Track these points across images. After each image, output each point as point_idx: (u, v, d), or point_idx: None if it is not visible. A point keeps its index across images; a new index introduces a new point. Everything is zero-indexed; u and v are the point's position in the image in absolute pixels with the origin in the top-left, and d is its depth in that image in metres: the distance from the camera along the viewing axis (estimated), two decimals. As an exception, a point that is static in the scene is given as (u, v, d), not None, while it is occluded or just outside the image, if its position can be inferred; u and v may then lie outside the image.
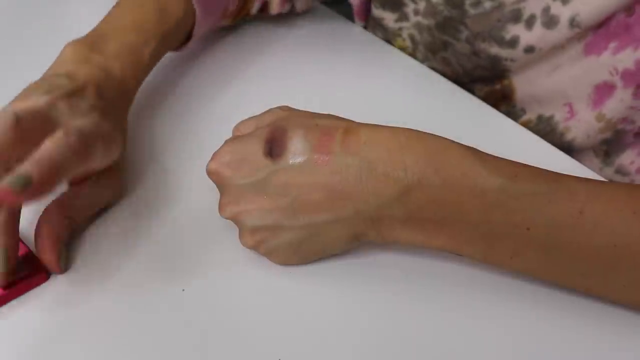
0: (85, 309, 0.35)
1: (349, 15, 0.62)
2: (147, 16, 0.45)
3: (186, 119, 0.49)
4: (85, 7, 0.63)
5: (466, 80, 0.56)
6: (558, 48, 0.47)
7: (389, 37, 0.59)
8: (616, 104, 0.46)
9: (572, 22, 0.44)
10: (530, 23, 0.47)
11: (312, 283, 0.37)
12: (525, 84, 0.51)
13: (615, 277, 0.34)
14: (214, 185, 0.37)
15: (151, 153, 0.46)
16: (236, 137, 0.37)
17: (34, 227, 0.37)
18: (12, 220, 0.35)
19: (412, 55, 0.58)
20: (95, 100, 0.38)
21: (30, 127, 0.34)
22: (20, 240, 0.37)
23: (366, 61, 0.58)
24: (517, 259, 0.34)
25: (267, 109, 0.39)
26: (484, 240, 0.34)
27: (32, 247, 0.37)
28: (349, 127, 0.35)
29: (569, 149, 0.50)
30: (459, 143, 0.34)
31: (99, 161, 0.37)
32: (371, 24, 0.60)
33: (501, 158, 0.34)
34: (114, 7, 0.46)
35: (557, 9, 0.45)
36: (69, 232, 0.38)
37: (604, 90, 0.46)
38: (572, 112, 0.49)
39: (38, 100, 0.35)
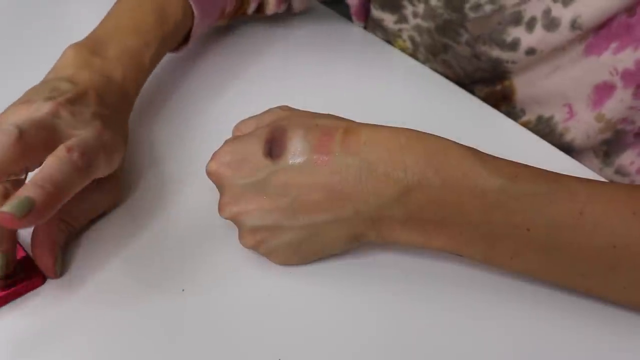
0: (85, 309, 0.35)
1: (348, 15, 0.62)
2: (146, 18, 0.45)
3: (186, 119, 0.49)
4: (85, 7, 0.63)
5: (467, 81, 0.56)
6: (559, 50, 0.47)
7: (389, 38, 0.59)
8: (616, 104, 0.46)
9: (574, 24, 0.44)
10: (531, 25, 0.47)
11: (312, 283, 0.37)
12: (525, 85, 0.51)
13: (615, 277, 0.34)
14: (214, 185, 0.37)
15: (151, 153, 0.46)
16: (236, 137, 0.37)
17: (31, 231, 0.36)
18: None
19: (413, 56, 0.58)
20: (96, 107, 0.38)
21: (33, 140, 0.33)
22: (17, 243, 0.37)
23: (366, 61, 0.58)
24: (517, 260, 0.34)
25: (267, 109, 0.39)
26: (484, 240, 0.34)
27: (29, 250, 0.37)
28: (349, 127, 0.35)
29: (568, 149, 0.50)
30: (459, 143, 0.34)
31: (101, 172, 0.36)
32: (371, 24, 0.60)
33: (501, 158, 0.34)
34: (112, 8, 0.46)
35: (558, 11, 0.45)
36: (66, 237, 0.37)
37: (603, 91, 0.46)
38: (571, 113, 0.49)
39: (40, 109, 0.34)
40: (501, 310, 0.36)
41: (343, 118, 0.37)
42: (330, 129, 0.35)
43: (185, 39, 0.50)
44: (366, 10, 0.59)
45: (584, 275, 0.34)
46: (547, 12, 0.46)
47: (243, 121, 0.39)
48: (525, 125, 0.52)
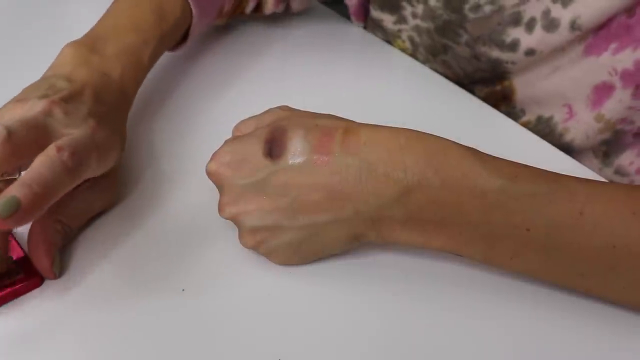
0: (84, 309, 0.35)
1: (348, 15, 0.62)
2: (145, 16, 0.45)
3: (186, 119, 0.49)
4: (85, 7, 0.63)
5: (466, 82, 0.56)
6: (558, 50, 0.47)
7: (389, 39, 0.59)
8: (615, 105, 0.46)
9: (573, 25, 0.44)
10: (530, 26, 0.47)
11: (312, 283, 0.37)
12: (525, 85, 0.51)
13: (615, 277, 0.34)
14: (214, 186, 0.37)
15: (151, 153, 0.46)
16: (236, 137, 0.37)
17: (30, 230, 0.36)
18: None
19: (413, 56, 0.58)
20: (93, 105, 0.37)
21: (23, 140, 0.33)
22: (17, 243, 0.37)
23: (366, 61, 0.58)
24: (517, 260, 0.34)
25: (267, 109, 0.39)
26: (484, 240, 0.34)
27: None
28: (349, 128, 0.35)
29: (568, 149, 0.50)
30: (459, 143, 0.34)
31: (92, 171, 0.36)
32: (370, 25, 0.60)
33: (501, 159, 0.34)
34: (110, 7, 0.46)
35: (557, 11, 0.45)
36: (63, 237, 0.37)
37: (603, 91, 0.46)
38: (571, 113, 0.49)
39: (34, 108, 0.34)
40: (501, 310, 0.36)
41: (343, 118, 0.37)
42: (330, 129, 0.35)
43: (184, 38, 0.50)
44: (365, 10, 0.59)
45: (583, 275, 0.34)
46: (546, 12, 0.46)
47: (243, 121, 0.39)
48: (525, 125, 0.52)
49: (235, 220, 0.36)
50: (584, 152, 0.51)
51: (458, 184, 0.33)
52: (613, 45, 0.44)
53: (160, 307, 0.36)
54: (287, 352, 0.34)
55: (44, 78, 0.39)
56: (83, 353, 0.33)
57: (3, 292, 0.35)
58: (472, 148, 0.34)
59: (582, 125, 0.49)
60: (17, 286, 0.35)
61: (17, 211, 0.30)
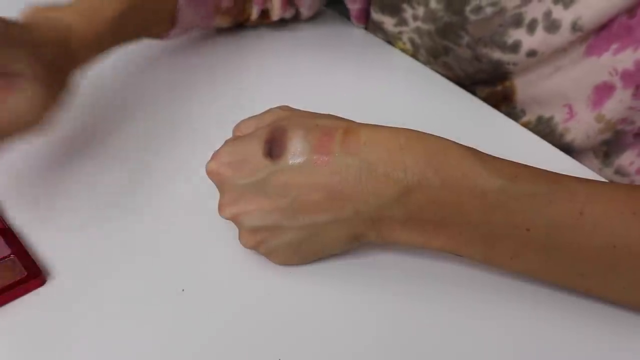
0: (84, 309, 0.35)
1: (349, 16, 0.62)
2: None
3: (186, 118, 0.49)
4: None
5: (467, 83, 0.56)
6: (560, 51, 0.47)
7: (390, 40, 0.59)
8: (615, 105, 0.46)
9: (574, 26, 0.44)
10: (532, 27, 0.47)
11: (312, 283, 0.37)
12: (526, 86, 0.51)
13: (615, 278, 0.34)
14: (214, 185, 0.37)
15: (151, 153, 0.46)
16: (236, 137, 0.37)
17: (33, 228, 0.36)
18: None
19: (414, 58, 0.58)
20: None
21: None
22: (19, 242, 0.37)
23: (367, 61, 0.58)
24: (517, 260, 0.34)
25: (267, 109, 0.39)
26: (484, 241, 0.34)
27: (31, 249, 0.37)
28: (349, 128, 0.35)
29: (568, 150, 0.50)
30: (459, 143, 0.34)
31: None
32: (371, 27, 0.60)
33: (501, 159, 0.34)
34: None
35: (558, 13, 0.45)
36: None
37: (603, 91, 0.46)
38: (571, 113, 0.49)
39: None
40: (501, 310, 0.36)
41: (343, 118, 0.37)
42: (330, 129, 0.35)
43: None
44: (367, 13, 0.59)
45: (583, 275, 0.34)
46: (547, 14, 0.46)
47: (243, 121, 0.39)
48: (526, 125, 0.52)
49: (235, 220, 0.36)
50: (585, 153, 0.51)
51: (458, 184, 0.33)
52: (614, 46, 0.44)
53: (160, 307, 0.36)
54: (287, 352, 0.34)
55: None
56: (83, 353, 0.33)
57: (4, 292, 0.35)
58: (473, 148, 0.34)
59: (582, 125, 0.49)
60: (20, 286, 0.35)
61: None
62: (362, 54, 0.59)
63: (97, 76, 0.55)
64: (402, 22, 0.56)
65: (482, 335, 0.35)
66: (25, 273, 0.36)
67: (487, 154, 0.34)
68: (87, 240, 0.39)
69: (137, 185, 0.43)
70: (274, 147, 0.35)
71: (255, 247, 0.37)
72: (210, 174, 0.36)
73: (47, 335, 0.34)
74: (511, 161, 0.34)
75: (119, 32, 0.45)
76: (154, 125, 0.48)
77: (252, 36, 0.60)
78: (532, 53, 0.47)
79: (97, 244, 0.39)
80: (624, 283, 0.34)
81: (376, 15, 0.57)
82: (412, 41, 0.57)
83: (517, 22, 0.47)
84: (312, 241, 0.36)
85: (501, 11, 0.47)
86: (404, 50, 0.58)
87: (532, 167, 0.34)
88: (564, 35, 0.45)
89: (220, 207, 0.36)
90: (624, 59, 0.44)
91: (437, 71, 0.56)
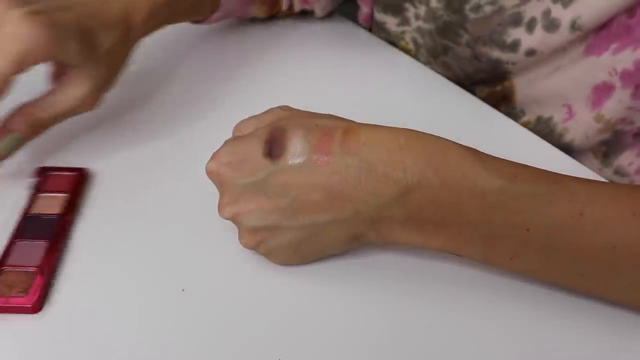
0: (84, 309, 0.35)
1: (350, 16, 0.62)
2: None
3: (186, 118, 0.49)
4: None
5: (467, 82, 0.56)
6: (559, 50, 0.47)
7: (393, 40, 0.59)
8: (615, 105, 0.46)
9: (574, 25, 0.44)
10: (531, 26, 0.47)
11: (312, 283, 0.37)
12: (525, 86, 0.51)
13: (615, 278, 0.34)
14: (214, 185, 0.37)
15: (151, 153, 0.46)
16: (236, 137, 0.37)
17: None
18: None
19: (415, 58, 0.58)
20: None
21: None
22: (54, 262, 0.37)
23: (367, 62, 0.58)
24: (517, 260, 0.34)
25: (267, 108, 0.39)
26: (484, 241, 0.34)
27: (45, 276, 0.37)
28: (349, 128, 0.35)
29: (568, 150, 0.50)
30: (458, 144, 0.34)
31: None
32: (375, 28, 0.60)
33: (501, 159, 0.34)
34: None
35: (557, 12, 0.45)
36: (30, 131, 0.40)
37: (602, 91, 0.46)
38: (571, 113, 0.49)
39: None
40: (501, 310, 0.36)
41: (343, 118, 0.37)
42: (330, 129, 0.35)
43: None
44: (373, 15, 0.60)
45: (583, 275, 0.34)
46: (547, 13, 0.46)
47: (243, 121, 0.39)
48: (525, 125, 0.52)
49: (235, 220, 0.36)
50: (584, 153, 0.51)
51: (458, 184, 0.33)
52: (613, 46, 0.44)
53: (160, 307, 0.36)
54: (287, 352, 0.34)
55: None
56: (83, 352, 0.33)
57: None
58: (472, 148, 0.34)
59: (581, 125, 0.49)
60: (13, 303, 0.35)
61: None
62: (363, 54, 0.58)
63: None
64: (405, 21, 0.56)
65: (482, 335, 0.35)
66: (28, 294, 0.35)
67: (487, 154, 0.34)
68: (88, 239, 0.39)
69: (137, 185, 0.43)
70: (273, 147, 0.35)
71: (255, 247, 0.37)
72: (210, 174, 0.36)
73: (46, 334, 0.34)
74: (511, 161, 0.34)
75: (172, 11, 0.47)
76: (154, 125, 0.48)
77: (253, 36, 0.60)
78: (531, 52, 0.47)
79: (98, 244, 0.39)
80: (624, 283, 0.34)
81: (379, 16, 0.58)
82: (414, 41, 0.57)
83: (516, 21, 0.47)
84: (312, 241, 0.36)
85: (500, 10, 0.47)
86: (406, 50, 0.58)
87: (532, 167, 0.34)
88: (563, 34, 0.45)
89: (220, 207, 0.36)
90: (623, 58, 0.44)
91: (436, 71, 0.56)
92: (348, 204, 0.34)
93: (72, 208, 0.40)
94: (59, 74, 0.42)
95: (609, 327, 0.36)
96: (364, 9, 0.60)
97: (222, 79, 0.54)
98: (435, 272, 0.38)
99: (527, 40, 0.47)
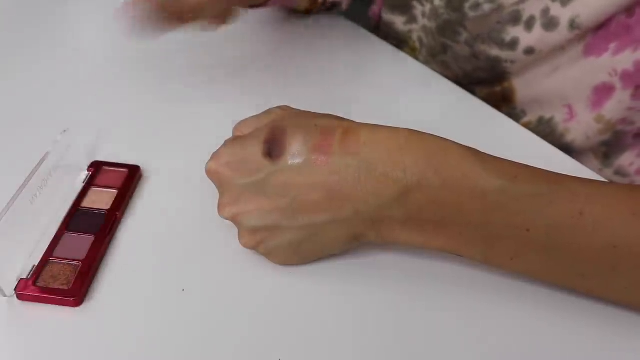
0: (84, 309, 0.35)
1: (350, 16, 0.62)
2: None
3: (186, 118, 0.49)
4: (86, 7, 0.63)
5: (465, 82, 0.56)
6: (558, 49, 0.47)
7: (401, 41, 0.59)
8: (615, 105, 0.46)
9: (572, 24, 0.44)
10: (529, 25, 0.47)
11: (312, 283, 0.37)
12: (525, 86, 0.51)
13: (616, 278, 0.33)
14: (214, 186, 0.37)
15: (151, 153, 0.46)
16: (236, 138, 0.37)
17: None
18: None
19: (414, 57, 0.58)
20: None
21: None
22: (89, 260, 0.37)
23: (367, 62, 0.58)
24: (518, 260, 0.34)
25: (267, 108, 0.39)
26: (484, 241, 0.34)
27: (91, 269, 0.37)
28: (349, 128, 0.35)
29: (568, 150, 0.50)
30: (459, 144, 0.34)
31: None
32: (383, 30, 0.60)
33: (501, 159, 0.34)
34: None
35: (556, 10, 0.45)
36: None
37: (603, 92, 0.46)
38: (571, 114, 0.49)
39: None
40: (501, 310, 0.36)
41: (342, 118, 0.37)
42: (329, 129, 0.35)
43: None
44: (381, 15, 0.60)
45: (584, 275, 0.34)
46: (545, 11, 0.46)
47: (243, 121, 0.39)
48: (526, 126, 0.52)
49: (234, 220, 0.36)
50: (585, 153, 0.51)
51: (458, 184, 0.33)
52: (613, 46, 0.44)
53: (160, 307, 0.36)
54: (287, 352, 0.34)
55: None
56: (84, 351, 0.33)
57: (38, 294, 0.35)
58: (473, 148, 0.34)
59: (582, 126, 0.49)
60: (53, 296, 0.35)
61: None
62: (363, 54, 0.59)
63: (96, 76, 0.55)
64: (412, 19, 0.56)
65: (482, 335, 0.35)
66: (70, 287, 0.36)
67: (487, 154, 0.34)
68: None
69: (137, 184, 0.43)
70: (273, 147, 0.35)
71: (255, 247, 0.37)
72: (209, 174, 0.36)
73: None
74: (511, 161, 0.34)
75: None
76: (154, 125, 0.48)
77: (253, 37, 0.60)
78: (529, 51, 0.47)
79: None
80: (625, 283, 0.34)
81: (387, 16, 0.58)
82: (420, 40, 0.57)
83: (515, 19, 0.47)
84: (312, 241, 0.36)
85: (499, 8, 0.48)
86: (413, 50, 0.59)
87: (532, 167, 0.34)
88: (561, 33, 0.45)
89: (220, 207, 0.36)
90: (623, 59, 0.44)
91: (435, 70, 0.56)
92: (348, 204, 0.34)
93: (121, 204, 0.41)
94: None
95: (609, 327, 0.36)
96: (374, 8, 0.60)
97: (222, 78, 0.54)
98: (435, 272, 0.38)
99: (526, 38, 0.47)
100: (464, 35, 0.51)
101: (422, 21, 0.55)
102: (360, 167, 0.33)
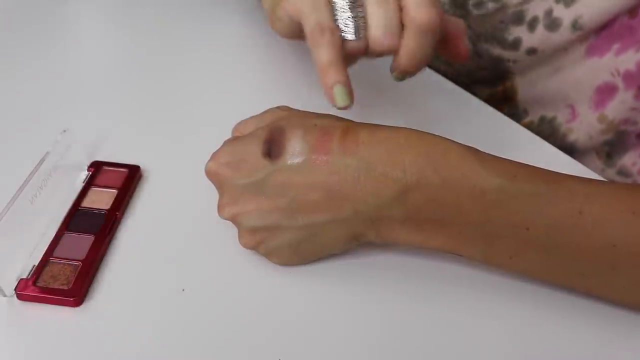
0: (84, 309, 0.35)
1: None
2: None
3: (186, 118, 0.49)
4: (85, 7, 0.63)
5: (467, 81, 0.55)
6: (560, 50, 0.47)
7: None
8: (618, 106, 0.46)
9: (575, 25, 0.44)
10: (532, 25, 0.47)
11: (312, 283, 0.37)
12: (527, 86, 0.51)
13: (615, 277, 0.33)
14: (213, 186, 0.37)
15: (151, 153, 0.46)
16: (235, 138, 0.37)
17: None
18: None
19: None
20: None
21: None
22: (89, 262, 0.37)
23: (367, 61, 0.58)
24: (517, 259, 0.34)
25: (266, 109, 0.39)
26: (484, 240, 0.34)
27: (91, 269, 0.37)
28: (348, 127, 0.35)
29: (571, 150, 0.50)
30: (458, 143, 0.34)
31: None
32: None
33: (501, 158, 0.34)
34: None
35: (559, 11, 0.45)
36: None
37: (605, 92, 0.46)
38: (574, 114, 0.49)
39: None
40: (501, 310, 0.36)
41: (342, 118, 0.37)
42: (329, 129, 0.35)
43: None
44: None
45: (583, 275, 0.34)
46: (548, 12, 0.46)
47: (242, 121, 0.39)
48: (529, 125, 0.52)
49: (234, 220, 0.36)
50: (587, 153, 0.51)
51: (457, 184, 0.33)
52: (615, 46, 0.44)
53: (160, 307, 0.36)
54: (287, 352, 0.34)
55: None
56: (83, 352, 0.33)
57: (38, 294, 0.35)
58: (472, 148, 0.34)
59: (585, 126, 0.49)
60: (53, 296, 0.35)
61: None
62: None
63: (96, 76, 0.55)
64: None
65: (482, 335, 0.35)
66: (70, 287, 0.36)
67: (486, 154, 0.34)
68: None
69: (137, 185, 0.43)
70: (272, 147, 0.35)
71: (255, 248, 0.37)
72: (209, 174, 0.36)
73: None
74: (511, 160, 0.34)
75: None
76: (153, 125, 0.48)
77: (252, 37, 0.60)
78: (532, 51, 0.47)
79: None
80: (624, 282, 0.34)
81: None
82: None
83: (518, 19, 0.47)
84: (312, 241, 0.36)
85: (503, 7, 0.47)
86: None
87: (531, 166, 0.34)
88: (564, 33, 0.45)
89: (220, 207, 0.36)
90: (625, 59, 0.44)
91: (437, 67, 0.56)
92: (347, 203, 0.34)
93: (121, 204, 0.41)
94: None
95: (608, 327, 0.35)
96: None
97: (222, 79, 0.54)
98: (435, 272, 0.38)
99: (528, 38, 0.47)
100: (467, 33, 0.51)
101: None
102: (360, 167, 0.33)
